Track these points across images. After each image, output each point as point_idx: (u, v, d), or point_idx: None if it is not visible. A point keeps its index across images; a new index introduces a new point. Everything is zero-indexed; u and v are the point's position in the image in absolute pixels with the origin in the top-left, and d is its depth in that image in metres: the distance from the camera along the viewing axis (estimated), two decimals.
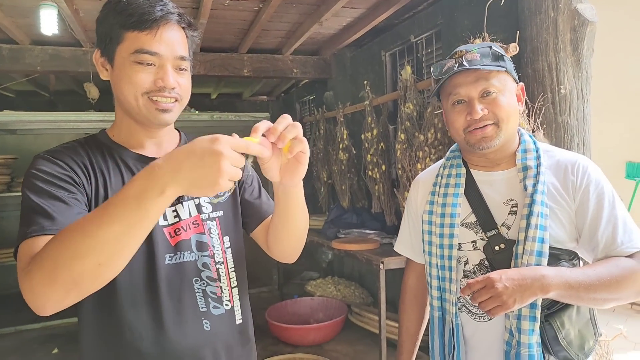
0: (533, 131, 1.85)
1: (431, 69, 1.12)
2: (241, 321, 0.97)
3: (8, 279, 4.04)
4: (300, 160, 0.75)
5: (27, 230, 0.72)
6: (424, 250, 1.17)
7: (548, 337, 0.98)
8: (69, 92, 5.12)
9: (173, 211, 0.91)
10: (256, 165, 0.73)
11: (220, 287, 0.94)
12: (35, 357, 3.25)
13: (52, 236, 0.69)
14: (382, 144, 3.09)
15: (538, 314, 0.97)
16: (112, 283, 0.69)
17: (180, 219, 0.91)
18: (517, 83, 1.09)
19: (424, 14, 2.92)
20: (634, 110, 3.92)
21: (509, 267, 1.00)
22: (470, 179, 1.12)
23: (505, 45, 1.82)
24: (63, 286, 0.64)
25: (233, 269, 0.97)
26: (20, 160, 3.97)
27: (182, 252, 0.90)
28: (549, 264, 0.97)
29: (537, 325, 0.97)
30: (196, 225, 0.93)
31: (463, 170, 1.13)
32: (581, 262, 1.08)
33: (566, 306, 1.00)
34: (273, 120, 0.71)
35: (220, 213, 0.97)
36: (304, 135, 0.87)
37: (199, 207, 0.94)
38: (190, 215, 0.92)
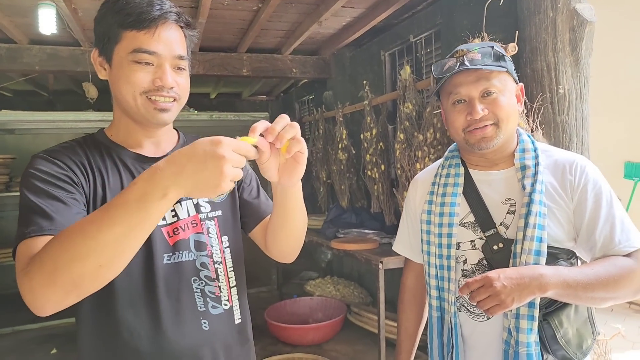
0: (532, 131, 1.85)
1: (432, 67, 1.12)
2: (240, 321, 0.97)
3: (6, 279, 4.03)
4: (298, 161, 0.75)
5: (25, 231, 0.72)
6: (422, 250, 1.17)
7: (546, 336, 0.99)
8: (68, 91, 5.11)
9: (171, 210, 0.91)
10: (255, 165, 0.73)
11: (219, 287, 0.94)
12: (33, 357, 3.25)
13: (51, 236, 0.69)
14: (381, 144, 3.09)
15: (536, 313, 0.97)
16: (110, 283, 0.69)
17: (178, 219, 0.91)
18: (517, 83, 1.09)
19: (423, 14, 2.92)
20: (633, 110, 3.93)
21: (507, 266, 1.00)
22: (468, 179, 1.12)
23: (504, 45, 1.82)
24: (63, 287, 0.64)
25: (232, 269, 0.97)
26: (18, 160, 3.96)
27: (181, 252, 0.90)
28: (547, 263, 0.97)
29: (536, 324, 0.97)
30: (195, 225, 0.93)
31: (461, 170, 1.14)
32: (579, 262, 1.08)
33: (564, 305, 1.00)
34: (272, 120, 0.71)
35: (219, 213, 0.97)
36: (303, 135, 0.87)
37: (197, 206, 0.94)
38: (188, 215, 0.92)
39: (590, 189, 1.01)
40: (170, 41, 0.84)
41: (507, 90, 1.05)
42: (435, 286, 1.13)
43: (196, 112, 4.27)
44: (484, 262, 1.06)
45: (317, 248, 4.23)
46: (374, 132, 3.12)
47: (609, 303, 0.98)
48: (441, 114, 1.18)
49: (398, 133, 2.71)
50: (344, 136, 3.58)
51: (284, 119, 0.71)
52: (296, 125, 0.71)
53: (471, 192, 1.10)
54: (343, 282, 4.10)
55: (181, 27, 0.87)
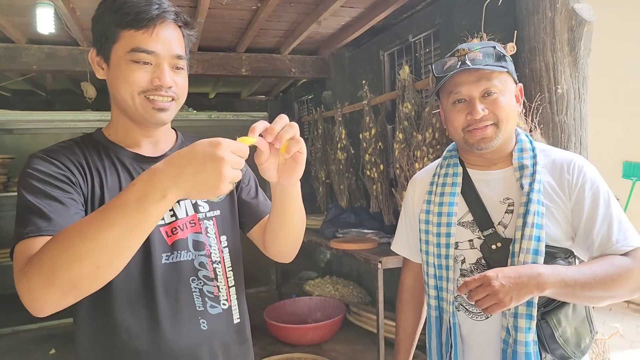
0: (530, 131, 1.86)
1: (432, 66, 1.12)
2: (239, 320, 0.97)
3: (5, 279, 3.98)
4: (297, 161, 0.75)
5: (23, 231, 0.72)
6: (421, 250, 1.17)
7: (545, 335, 0.99)
8: (66, 91, 5.10)
9: (170, 210, 0.91)
10: (253, 165, 0.73)
11: (218, 287, 0.93)
12: (32, 357, 3.24)
13: (49, 237, 0.69)
14: (380, 144, 3.10)
15: (534, 312, 0.97)
16: (108, 283, 0.69)
17: (177, 218, 0.91)
18: (516, 84, 1.09)
19: (422, 14, 2.92)
20: (631, 110, 3.93)
21: (505, 265, 1.00)
22: (467, 178, 1.12)
23: (503, 45, 1.83)
24: (61, 288, 0.64)
25: (230, 269, 0.97)
26: (17, 159, 3.95)
27: (179, 252, 0.89)
28: (545, 262, 0.98)
29: (534, 323, 0.97)
30: (193, 225, 0.92)
31: (460, 170, 1.14)
32: (577, 261, 1.08)
33: (562, 304, 1.00)
34: (271, 120, 0.71)
35: (217, 212, 0.97)
36: (302, 134, 0.87)
37: (195, 206, 0.94)
38: (187, 215, 0.92)
39: (588, 188, 1.01)
40: (168, 40, 0.84)
41: (508, 90, 1.05)
42: (434, 286, 1.13)
43: (195, 111, 4.27)
44: (483, 261, 1.06)
45: (316, 248, 4.23)
46: (372, 132, 3.12)
47: (607, 302, 0.98)
48: (440, 113, 1.18)
49: (397, 133, 2.71)
50: (343, 136, 3.58)
51: (283, 119, 0.71)
52: (295, 125, 0.71)
53: (469, 192, 1.10)
54: (342, 282, 4.10)
55: (179, 27, 0.87)
